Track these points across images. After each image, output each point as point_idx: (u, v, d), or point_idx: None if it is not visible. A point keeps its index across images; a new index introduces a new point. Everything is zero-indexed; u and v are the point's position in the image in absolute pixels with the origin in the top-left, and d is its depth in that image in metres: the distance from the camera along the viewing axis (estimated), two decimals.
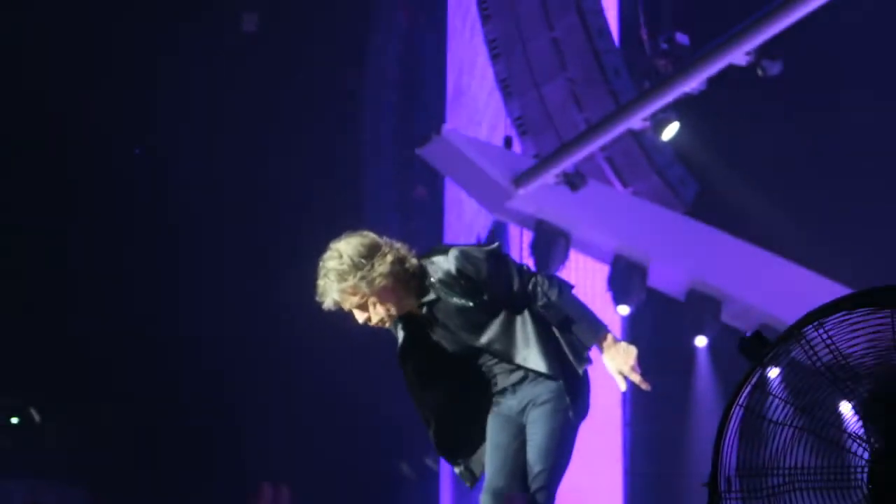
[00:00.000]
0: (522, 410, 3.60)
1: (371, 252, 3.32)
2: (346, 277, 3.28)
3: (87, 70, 10.50)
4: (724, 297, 8.39)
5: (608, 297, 8.44)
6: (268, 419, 10.38)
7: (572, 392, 3.55)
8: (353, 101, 11.46)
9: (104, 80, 10.59)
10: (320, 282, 3.35)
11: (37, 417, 10.38)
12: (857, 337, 2.09)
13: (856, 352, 2.09)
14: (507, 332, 3.59)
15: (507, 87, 8.46)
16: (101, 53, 10.68)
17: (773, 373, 2.19)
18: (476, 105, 10.07)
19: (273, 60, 11.04)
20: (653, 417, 9.12)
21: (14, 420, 10.53)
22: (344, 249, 3.30)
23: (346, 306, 3.40)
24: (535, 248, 8.18)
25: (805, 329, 2.14)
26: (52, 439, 10.80)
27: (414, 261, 3.41)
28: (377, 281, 3.33)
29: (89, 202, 10.71)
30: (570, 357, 3.55)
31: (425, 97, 10.79)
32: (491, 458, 3.65)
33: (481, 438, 3.74)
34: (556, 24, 8.08)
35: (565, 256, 8.18)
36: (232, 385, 10.36)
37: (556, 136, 8.09)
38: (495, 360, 3.61)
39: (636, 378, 3.44)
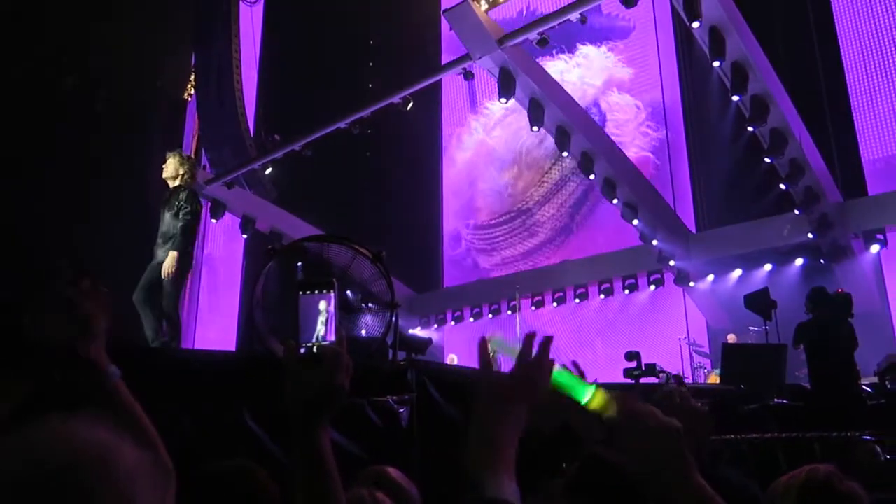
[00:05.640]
0: (159, 263, 6.28)
1: (190, 161, 6.62)
2: (174, 157, 6.58)
3: None
4: (283, 234, 15.25)
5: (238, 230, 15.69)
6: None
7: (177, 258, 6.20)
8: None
9: None
10: (169, 155, 6.63)
11: None
12: (314, 253, 3.67)
13: (315, 255, 3.60)
14: (166, 228, 6.33)
15: (206, 147, 15.68)
16: None
17: (290, 265, 3.56)
18: None
19: None
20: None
21: None
22: (181, 153, 6.67)
23: (167, 164, 6.53)
24: (212, 210, 15.02)
25: (303, 245, 3.88)
26: None
27: (191, 180, 6.59)
28: (183, 166, 6.53)
29: None
30: (178, 244, 6.25)
31: None
32: (145, 280, 6.34)
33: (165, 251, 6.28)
34: (229, 132, 14.72)
35: (224, 213, 15.26)
36: None
37: (226, 169, 14.79)
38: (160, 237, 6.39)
39: (168, 271, 6.17)
